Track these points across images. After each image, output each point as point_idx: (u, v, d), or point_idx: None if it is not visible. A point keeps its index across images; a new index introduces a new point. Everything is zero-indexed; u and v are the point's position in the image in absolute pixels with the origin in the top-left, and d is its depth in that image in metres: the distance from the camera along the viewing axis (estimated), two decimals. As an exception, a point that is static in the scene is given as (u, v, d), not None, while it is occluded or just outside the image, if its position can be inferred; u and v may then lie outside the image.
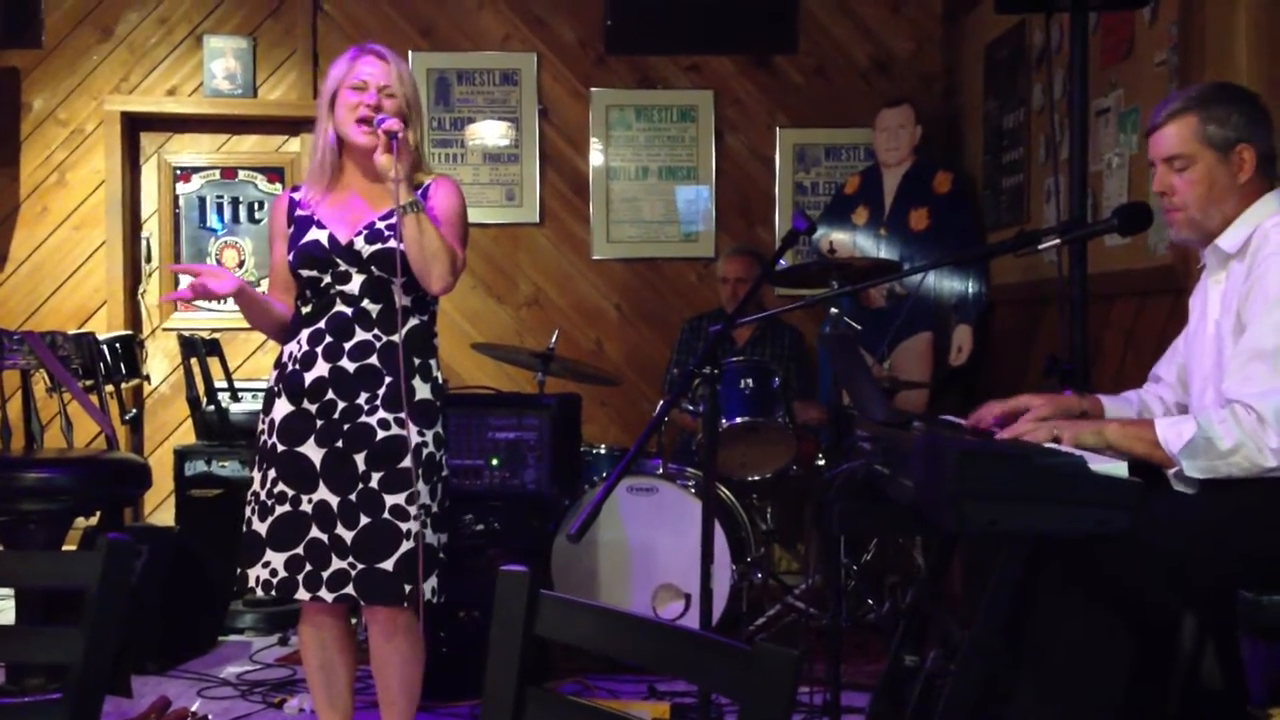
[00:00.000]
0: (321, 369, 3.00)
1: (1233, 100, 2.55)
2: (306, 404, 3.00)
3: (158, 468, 4.99)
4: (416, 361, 3.04)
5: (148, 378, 5.81)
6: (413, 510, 2.97)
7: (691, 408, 4.81)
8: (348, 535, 2.96)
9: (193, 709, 3.84)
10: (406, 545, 2.96)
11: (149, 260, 6.14)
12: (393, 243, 2.96)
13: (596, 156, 6.08)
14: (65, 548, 4.20)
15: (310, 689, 3.17)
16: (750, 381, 4.64)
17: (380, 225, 3.01)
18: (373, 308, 3.01)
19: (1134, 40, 4.08)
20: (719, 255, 5.84)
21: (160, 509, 5.91)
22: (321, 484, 2.98)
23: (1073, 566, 2.36)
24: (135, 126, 6.12)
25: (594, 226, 6.09)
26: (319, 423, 2.99)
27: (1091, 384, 3.37)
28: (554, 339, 4.77)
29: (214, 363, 5.18)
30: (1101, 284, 3.89)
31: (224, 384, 5.21)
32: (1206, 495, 2.37)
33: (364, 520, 2.95)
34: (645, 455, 4.72)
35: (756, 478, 4.84)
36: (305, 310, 3.07)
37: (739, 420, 4.58)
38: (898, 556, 5.05)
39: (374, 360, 3.00)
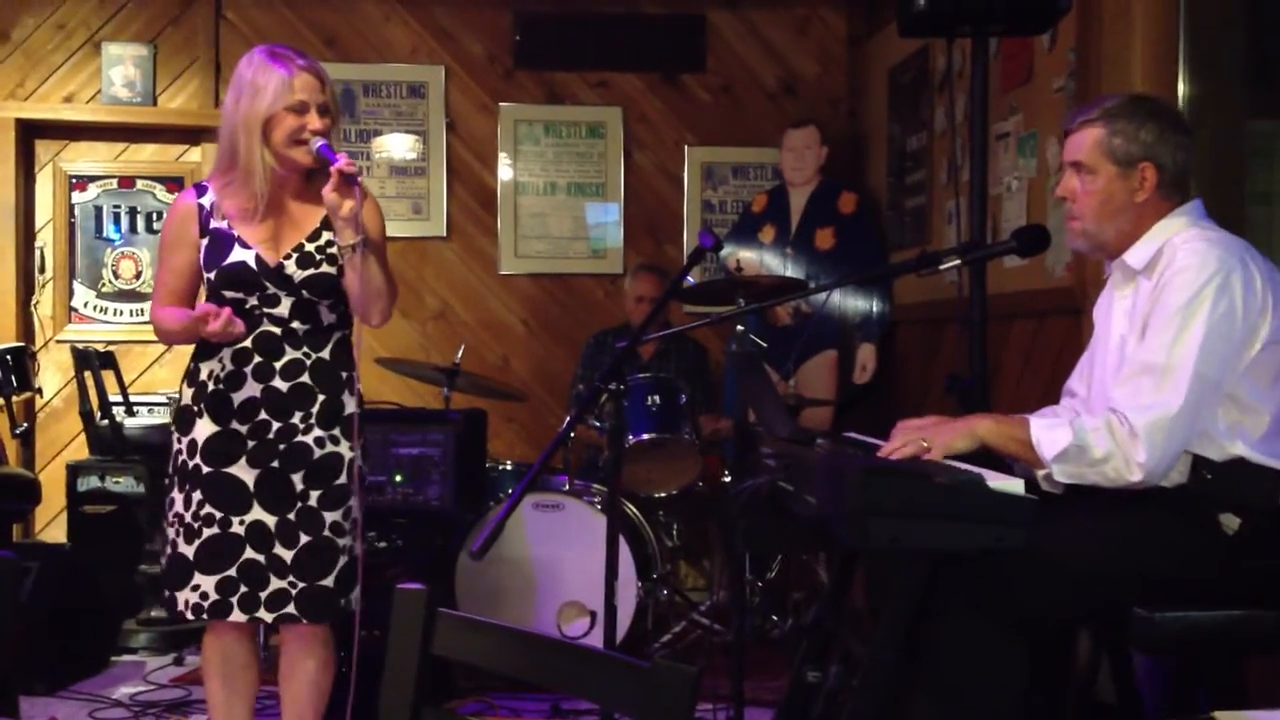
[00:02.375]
0: (252, 389, 2.95)
1: (1145, 115, 2.53)
2: (235, 424, 2.95)
3: (49, 483, 4.87)
4: (344, 376, 3.03)
5: (40, 391, 5.65)
6: (348, 525, 2.99)
7: (598, 424, 4.80)
8: (287, 554, 2.93)
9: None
10: (344, 560, 2.98)
11: (42, 270, 5.99)
12: (325, 268, 2.96)
13: (505, 171, 6.06)
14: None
15: (209, 708, 3.10)
16: (657, 398, 4.65)
17: (310, 248, 2.98)
18: (301, 327, 2.99)
19: (1033, 66, 4.17)
20: (627, 272, 5.85)
21: (52, 525, 5.75)
22: (256, 505, 2.94)
23: (969, 582, 2.39)
24: (30, 133, 5.97)
25: (501, 241, 6.06)
26: (251, 443, 2.95)
27: (990, 402, 3.42)
28: (460, 354, 4.74)
29: (108, 376, 5.06)
30: (1001, 304, 3.95)
31: (119, 398, 5.09)
32: (1104, 514, 2.40)
33: (304, 539, 2.94)
34: (551, 471, 4.70)
35: (662, 494, 4.85)
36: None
37: (645, 436, 4.59)
38: (801, 573, 5.08)
39: (305, 379, 2.98)
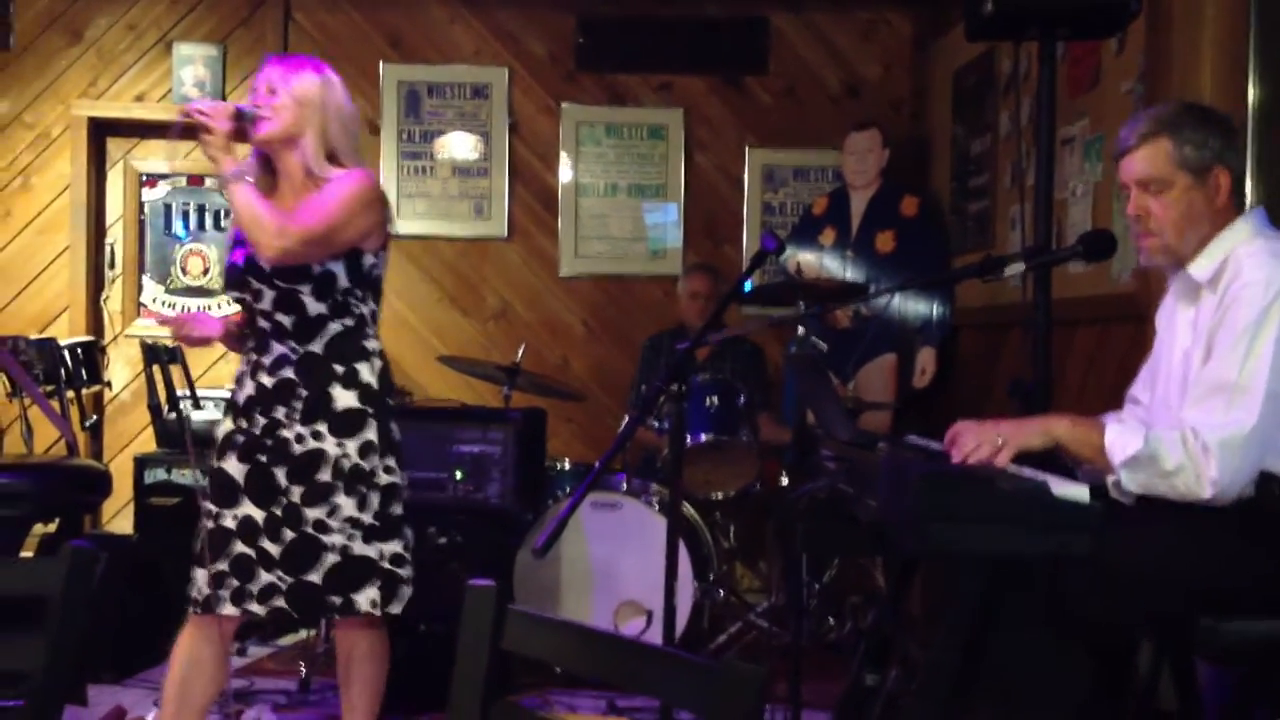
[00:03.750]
0: (249, 387, 3.04)
1: (1208, 122, 2.50)
2: (241, 420, 3.03)
3: (117, 475, 4.95)
4: (339, 369, 3.01)
5: (109, 384, 5.76)
6: (335, 524, 2.97)
7: (656, 424, 4.81)
8: (274, 549, 2.96)
9: (148, 718, 3.81)
10: (332, 559, 2.97)
11: (112, 266, 6.10)
12: None
13: (566, 172, 6.09)
14: (22, 554, 4.16)
15: (164, 697, 3.11)
16: (715, 399, 4.65)
17: None
18: (285, 319, 3.00)
19: (1101, 69, 4.14)
20: (681, 273, 5.85)
21: (119, 517, 5.85)
22: (245, 499, 2.98)
23: (1033, 588, 2.38)
24: (102, 132, 6.09)
25: (562, 242, 6.09)
26: (241, 439, 3.01)
27: (1053, 408, 3.40)
28: (520, 353, 4.77)
29: (176, 370, 5.13)
30: (1065, 310, 3.92)
31: (186, 392, 5.17)
32: (1170, 523, 2.38)
33: (288, 535, 2.96)
34: (609, 471, 4.72)
35: (720, 495, 4.85)
36: (246, 331, 3.12)
37: (704, 438, 4.59)
38: (859, 576, 5.07)
39: (289, 373, 3.00)
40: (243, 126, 2.94)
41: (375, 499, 3.02)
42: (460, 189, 6.07)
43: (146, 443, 5.62)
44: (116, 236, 6.12)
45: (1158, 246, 2.55)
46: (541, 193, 6.11)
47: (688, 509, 4.69)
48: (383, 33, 6.06)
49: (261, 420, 2.99)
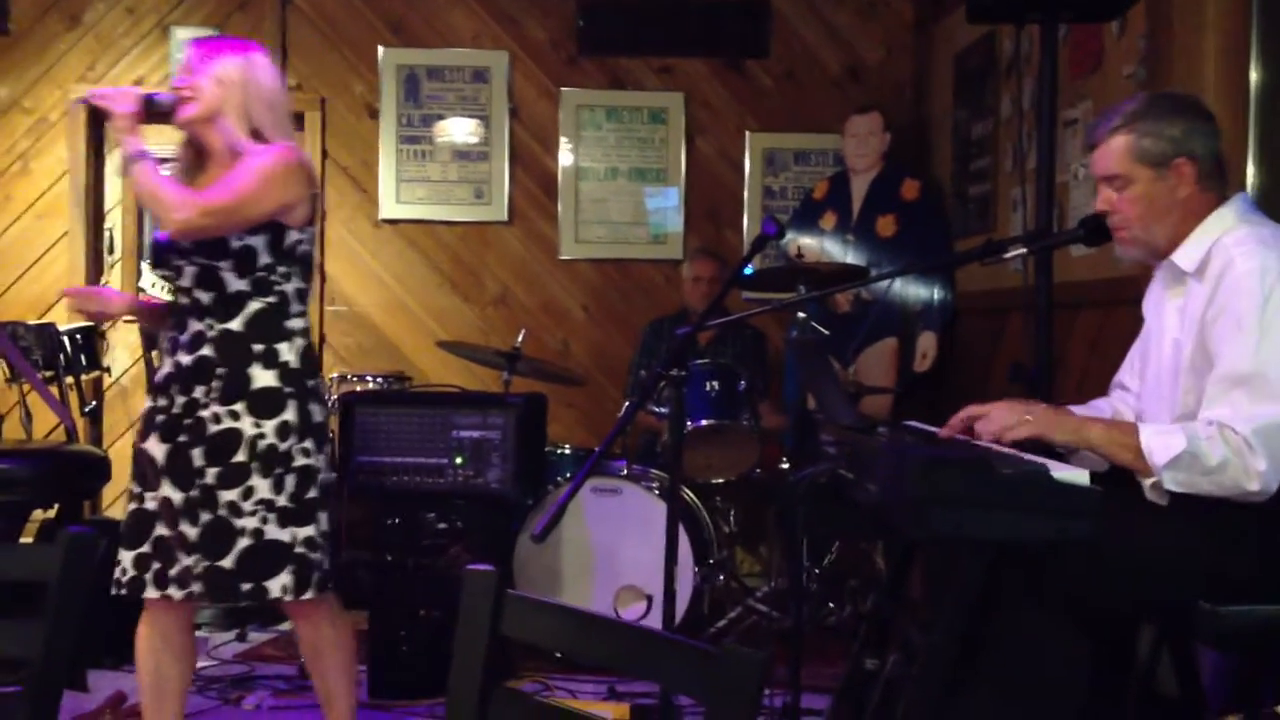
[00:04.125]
0: (168, 365, 3.01)
1: (1170, 112, 2.49)
2: (160, 399, 2.99)
3: (117, 461, 4.94)
4: (258, 348, 2.96)
5: (108, 370, 5.75)
6: (248, 506, 2.92)
7: (657, 409, 4.81)
8: (192, 532, 2.92)
9: (149, 704, 3.81)
10: (244, 542, 2.92)
11: (111, 251, 6.09)
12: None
13: (566, 156, 6.08)
14: (21, 540, 4.16)
15: (139, 692, 3.09)
16: (716, 384, 4.65)
17: None
18: (204, 296, 2.97)
19: (1103, 52, 4.12)
20: (686, 257, 5.85)
21: (119, 502, 5.85)
22: (165, 480, 2.94)
23: (1033, 573, 2.37)
24: (100, 116, 6.02)
25: (562, 226, 6.08)
26: (160, 418, 2.97)
27: (1055, 392, 3.40)
28: (520, 338, 4.76)
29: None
30: (1066, 293, 3.91)
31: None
32: (1171, 508, 2.37)
33: (204, 517, 2.91)
34: (610, 456, 4.72)
35: (720, 480, 4.85)
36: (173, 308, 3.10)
37: (704, 422, 4.59)
38: (859, 560, 5.07)
39: (207, 351, 2.95)
40: (152, 110, 3.01)
41: (291, 481, 2.95)
42: (460, 173, 6.05)
43: (146, 428, 5.61)
44: (115, 221, 6.11)
45: (1127, 239, 2.56)
46: (542, 177, 6.09)
47: (688, 494, 4.69)
48: (382, 16, 6.03)
49: (181, 399, 2.94)
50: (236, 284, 2.95)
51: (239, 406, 2.92)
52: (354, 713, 3.18)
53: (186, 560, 2.93)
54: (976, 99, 5.27)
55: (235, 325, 2.95)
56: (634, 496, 4.43)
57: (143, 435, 3.00)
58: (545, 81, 6.07)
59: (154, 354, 5.02)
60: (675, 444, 2.92)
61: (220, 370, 2.93)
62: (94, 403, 5.43)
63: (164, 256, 3.01)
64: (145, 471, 2.98)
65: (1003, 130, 4.97)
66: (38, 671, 1.69)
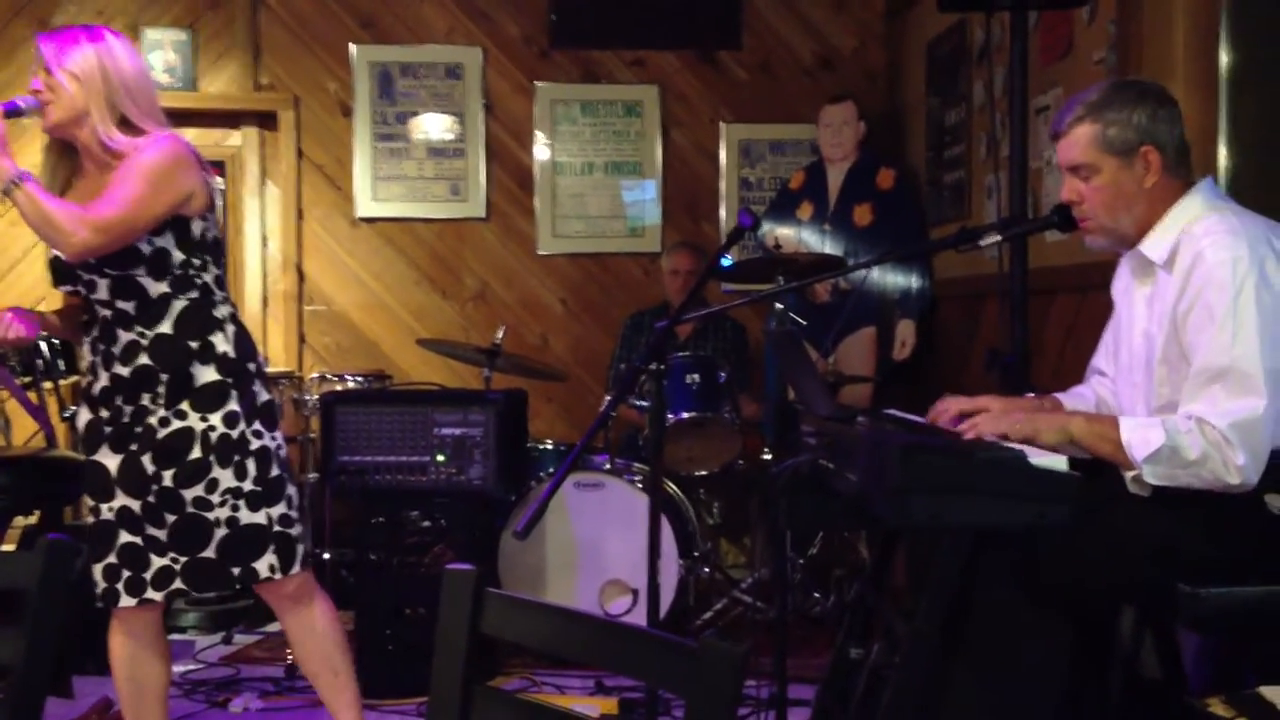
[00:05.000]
0: (104, 378, 2.93)
1: (1134, 100, 2.47)
2: (101, 411, 2.94)
3: (98, 466, 4.92)
4: (194, 345, 2.92)
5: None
6: (216, 498, 2.91)
7: (638, 403, 4.82)
8: (160, 533, 2.91)
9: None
10: (221, 532, 2.92)
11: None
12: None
13: (542, 151, 6.07)
14: (3, 547, 4.14)
15: (119, 700, 3.08)
16: (696, 377, 4.66)
17: None
18: (127, 305, 2.91)
19: (1073, 38, 4.14)
20: (664, 251, 5.86)
21: (100, 507, 5.83)
22: (119, 490, 2.91)
23: (1013, 559, 2.39)
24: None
25: (539, 221, 6.08)
26: (108, 429, 2.93)
27: (1031, 378, 3.42)
28: (500, 334, 4.76)
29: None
30: (1042, 279, 3.93)
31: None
32: (1152, 497, 2.38)
33: (170, 518, 2.91)
34: (591, 451, 4.73)
35: (703, 473, 4.86)
36: (85, 319, 2.99)
37: (685, 415, 4.60)
38: (843, 550, 5.09)
39: (144, 359, 2.90)
40: (18, 119, 2.90)
41: (252, 465, 2.95)
42: (436, 170, 6.04)
43: (126, 432, 5.59)
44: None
45: (1094, 229, 2.56)
46: (518, 172, 6.09)
47: (671, 487, 4.70)
48: (353, 13, 6.01)
49: (128, 408, 2.90)
50: (157, 287, 2.90)
51: (184, 405, 2.90)
52: (358, 694, 3.15)
53: (161, 560, 2.92)
54: (949, 87, 5.28)
55: (165, 328, 2.90)
56: (617, 491, 4.44)
57: (91, 447, 2.94)
58: (519, 76, 6.06)
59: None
60: (656, 437, 2.93)
61: (163, 375, 2.90)
62: (73, 408, 5.39)
63: (70, 272, 2.91)
64: (98, 484, 2.94)
65: (975, 118, 4.98)
66: (19, 679, 1.69)
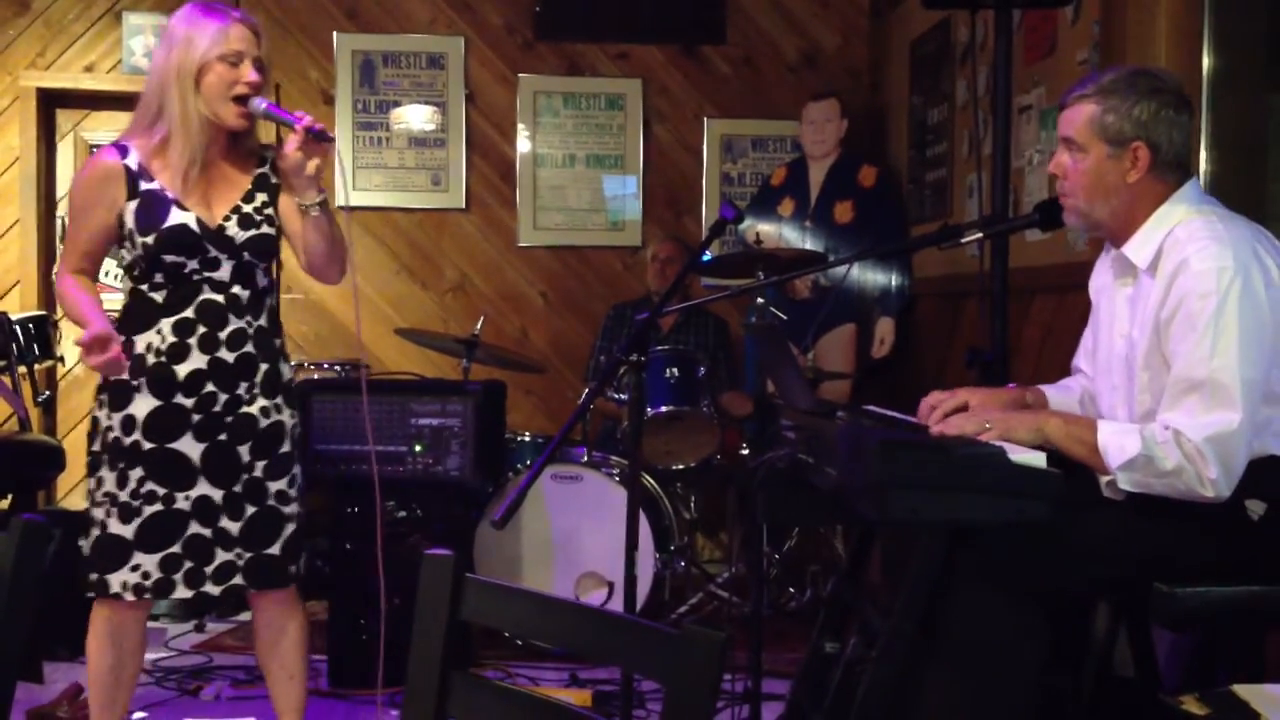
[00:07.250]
0: (197, 361, 2.88)
1: (1145, 93, 2.42)
2: (181, 398, 2.87)
3: (71, 450, 4.89)
4: (278, 342, 3.02)
5: (62, 359, 5.67)
6: (293, 493, 3.00)
7: (616, 395, 4.81)
8: (234, 527, 2.92)
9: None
10: (290, 528, 2.99)
11: (63, 239, 6.00)
12: (265, 229, 2.93)
13: (524, 143, 6.06)
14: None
15: (91, 687, 3.03)
16: (675, 370, 4.65)
17: (248, 209, 2.93)
18: (243, 293, 2.93)
19: (1056, 38, 4.15)
20: (646, 244, 5.86)
21: (74, 493, 5.79)
22: (202, 479, 2.89)
23: (990, 555, 2.39)
24: (51, 103, 5.98)
25: (520, 213, 6.06)
26: (196, 417, 2.88)
27: (1011, 376, 3.42)
28: (479, 325, 4.74)
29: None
30: (1022, 278, 3.94)
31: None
32: (1131, 499, 2.38)
33: (249, 510, 2.93)
34: (570, 443, 4.72)
35: (680, 466, 4.85)
36: (159, 298, 2.90)
37: (664, 409, 4.59)
38: (819, 545, 5.10)
39: (250, 348, 2.93)
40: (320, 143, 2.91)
41: (298, 464, 3.07)
42: (417, 160, 6.02)
43: (101, 418, 5.55)
44: (67, 209, 6.02)
45: (1069, 207, 2.54)
46: (499, 164, 6.07)
47: (648, 480, 4.70)
48: (337, 1, 5.98)
49: (223, 395, 2.89)
50: (263, 281, 2.99)
51: (279, 399, 2.98)
52: (305, 698, 3.18)
53: (227, 555, 2.93)
54: (932, 85, 5.29)
55: (264, 321, 2.98)
56: (594, 483, 4.43)
57: (164, 435, 2.86)
58: (502, 67, 6.05)
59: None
60: (635, 430, 2.92)
61: (262, 366, 2.95)
62: (47, 392, 5.37)
63: (200, 244, 2.86)
64: (171, 472, 2.88)
65: (958, 116, 4.99)
66: (-10, 663, 1.67)
